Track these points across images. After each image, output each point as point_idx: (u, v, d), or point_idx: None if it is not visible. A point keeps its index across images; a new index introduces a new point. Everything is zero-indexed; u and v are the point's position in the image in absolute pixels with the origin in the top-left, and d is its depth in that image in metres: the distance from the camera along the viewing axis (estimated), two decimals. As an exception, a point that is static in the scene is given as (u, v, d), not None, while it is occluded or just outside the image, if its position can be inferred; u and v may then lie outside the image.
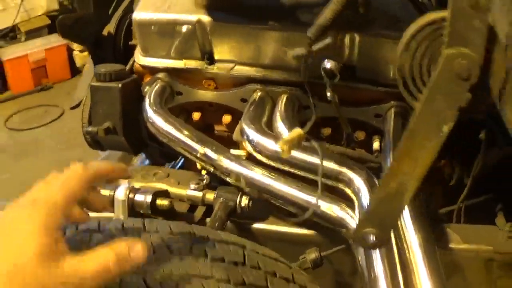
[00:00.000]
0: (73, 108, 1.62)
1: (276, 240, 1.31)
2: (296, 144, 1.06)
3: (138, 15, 1.40)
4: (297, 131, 1.08)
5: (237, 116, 1.40)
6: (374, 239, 0.76)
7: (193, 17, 1.34)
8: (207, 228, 0.98)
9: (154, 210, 1.22)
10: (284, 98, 1.34)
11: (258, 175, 1.24)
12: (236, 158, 1.27)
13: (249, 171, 1.24)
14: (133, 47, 1.54)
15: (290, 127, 1.28)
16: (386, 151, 1.24)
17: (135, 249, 0.72)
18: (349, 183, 1.15)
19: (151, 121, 1.35)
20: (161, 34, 1.39)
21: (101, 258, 0.69)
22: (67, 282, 0.65)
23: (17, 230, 0.66)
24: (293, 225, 1.29)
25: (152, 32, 1.40)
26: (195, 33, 1.35)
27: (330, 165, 1.17)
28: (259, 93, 1.36)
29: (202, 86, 1.43)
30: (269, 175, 1.23)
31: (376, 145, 1.34)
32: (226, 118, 1.44)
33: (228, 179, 1.28)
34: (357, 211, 1.12)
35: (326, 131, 1.39)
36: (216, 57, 1.38)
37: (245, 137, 1.28)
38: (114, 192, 1.22)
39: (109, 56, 1.61)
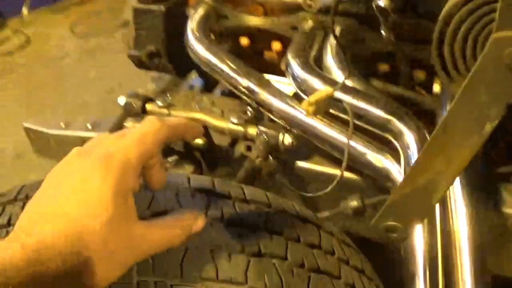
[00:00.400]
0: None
1: (320, 181, 1.24)
2: (323, 105, 0.95)
3: None
4: (325, 90, 0.97)
5: (288, 44, 1.30)
6: (396, 233, 0.68)
7: None
8: (284, 200, 0.89)
9: (187, 147, 1.18)
10: (337, 29, 1.22)
11: (301, 115, 1.15)
12: (281, 94, 1.18)
13: (293, 110, 1.16)
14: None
15: (341, 63, 1.18)
16: (444, 96, 1.12)
17: (198, 223, 0.70)
18: (398, 135, 1.05)
19: (192, 48, 1.27)
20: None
21: (168, 229, 0.67)
22: (134, 249, 0.62)
23: (89, 190, 0.59)
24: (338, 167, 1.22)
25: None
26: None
27: (379, 112, 1.07)
28: (310, 22, 1.24)
29: (250, 11, 1.32)
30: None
31: (437, 87, 1.21)
32: (276, 45, 1.34)
33: (271, 116, 1.21)
34: (402, 166, 1.03)
35: (383, 67, 1.26)
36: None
37: (289, 71, 1.19)
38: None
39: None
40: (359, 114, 1.08)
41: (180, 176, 0.84)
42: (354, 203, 1.16)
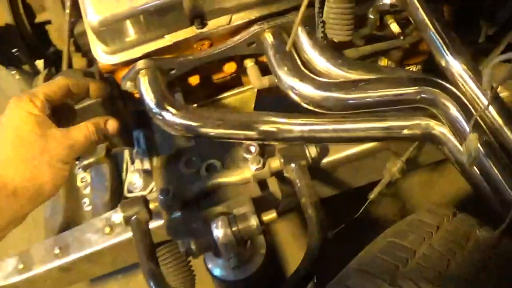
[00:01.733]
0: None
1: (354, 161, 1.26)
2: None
3: (95, 17, 1.05)
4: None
5: (241, 61, 1.22)
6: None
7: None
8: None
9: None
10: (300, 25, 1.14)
11: (331, 126, 1.12)
12: (299, 119, 1.12)
13: (319, 126, 1.11)
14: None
15: (323, 51, 1.13)
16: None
17: (109, 123, 1.00)
18: (432, 101, 1.08)
19: (163, 118, 1.11)
20: (133, 24, 1.07)
21: (83, 128, 0.94)
22: (60, 145, 0.88)
23: (13, 114, 0.88)
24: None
25: (120, 26, 1.07)
26: (179, 6, 1.06)
27: (405, 89, 1.08)
28: (269, 33, 1.14)
29: (195, 50, 1.16)
30: (340, 120, 1.12)
31: (394, 26, 1.22)
32: (231, 67, 1.22)
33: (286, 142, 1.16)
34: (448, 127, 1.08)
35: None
36: (209, 16, 1.10)
37: (288, 89, 1.12)
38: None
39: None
40: (385, 101, 1.09)
41: None
42: (395, 166, 1.21)
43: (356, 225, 1.39)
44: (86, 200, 1.60)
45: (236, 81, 1.28)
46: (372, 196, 1.37)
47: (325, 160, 1.24)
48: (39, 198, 0.86)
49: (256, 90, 1.24)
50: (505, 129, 1.02)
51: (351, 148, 1.26)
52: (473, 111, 1.05)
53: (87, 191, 1.63)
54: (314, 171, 1.20)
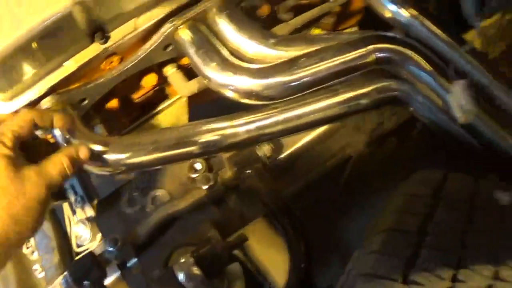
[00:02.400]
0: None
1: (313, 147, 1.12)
2: None
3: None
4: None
5: (159, 68, 1.04)
6: None
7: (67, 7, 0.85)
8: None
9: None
10: (216, 11, 0.98)
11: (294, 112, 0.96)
12: (243, 118, 0.96)
13: (267, 120, 0.96)
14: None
15: (251, 33, 0.98)
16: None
17: (81, 151, 0.89)
18: (390, 59, 0.95)
19: (103, 165, 0.93)
20: (25, 56, 0.88)
21: (57, 163, 0.87)
22: (36, 185, 0.83)
23: None
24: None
25: (10, 63, 0.88)
26: (72, 22, 0.87)
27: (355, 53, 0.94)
28: (185, 28, 0.97)
29: (104, 70, 0.98)
30: (289, 107, 0.97)
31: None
32: (151, 79, 1.05)
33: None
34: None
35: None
36: (110, 26, 0.92)
37: (221, 87, 0.96)
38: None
39: None
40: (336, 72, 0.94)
41: None
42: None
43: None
44: (36, 267, 1.45)
45: (160, 94, 1.10)
46: (343, 180, 1.23)
47: (282, 156, 1.08)
48: (20, 241, 0.85)
49: (185, 99, 1.07)
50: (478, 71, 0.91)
51: (307, 135, 1.10)
52: (439, 62, 0.92)
53: (35, 256, 1.47)
54: (274, 170, 1.04)
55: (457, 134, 0.99)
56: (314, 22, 1.15)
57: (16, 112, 0.94)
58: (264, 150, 1.02)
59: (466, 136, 0.98)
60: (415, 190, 0.90)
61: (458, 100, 0.79)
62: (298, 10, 1.10)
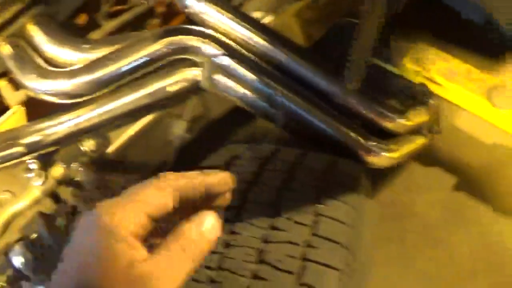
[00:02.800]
0: None
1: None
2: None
3: None
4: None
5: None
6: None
7: None
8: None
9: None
10: (32, 26, 1.10)
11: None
12: (61, 117, 1.07)
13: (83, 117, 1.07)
14: None
15: (62, 42, 1.09)
16: None
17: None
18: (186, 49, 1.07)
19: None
20: None
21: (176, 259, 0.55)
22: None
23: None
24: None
25: None
26: None
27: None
28: (6, 44, 1.09)
29: None
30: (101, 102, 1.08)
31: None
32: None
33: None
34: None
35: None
36: None
37: (43, 94, 1.07)
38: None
39: None
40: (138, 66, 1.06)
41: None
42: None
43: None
44: None
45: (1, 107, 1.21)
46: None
47: (110, 149, 1.18)
48: None
49: (23, 109, 1.18)
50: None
51: (128, 129, 1.20)
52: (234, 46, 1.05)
53: None
54: (106, 164, 1.15)
55: (262, 108, 1.10)
56: (135, 24, 1.25)
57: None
58: (88, 145, 1.12)
59: (269, 109, 1.10)
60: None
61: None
62: (116, 15, 1.21)
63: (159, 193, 0.57)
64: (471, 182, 1.54)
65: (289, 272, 0.80)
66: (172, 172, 0.59)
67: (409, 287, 1.43)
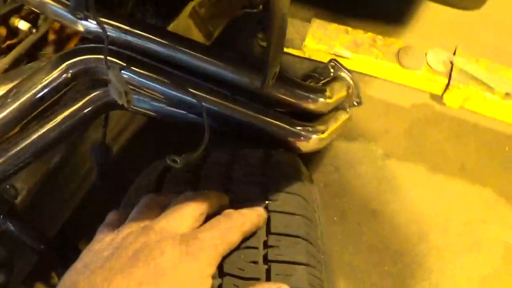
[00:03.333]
0: None
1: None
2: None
3: None
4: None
5: None
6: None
7: None
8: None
9: None
10: None
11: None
12: None
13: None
14: None
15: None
16: None
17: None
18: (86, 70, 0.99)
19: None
20: None
21: None
22: None
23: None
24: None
25: None
26: None
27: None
28: None
29: None
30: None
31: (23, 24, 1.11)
32: None
33: None
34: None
35: None
36: None
37: None
38: None
39: None
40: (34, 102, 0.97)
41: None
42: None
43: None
44: None
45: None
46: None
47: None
48: None
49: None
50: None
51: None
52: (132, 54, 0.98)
53: None
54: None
55: (181, 116, 1.04)
56: (30, 56, 1.17)
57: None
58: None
59: (189, 116, 1.04)
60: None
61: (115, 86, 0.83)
62: (8, 51, 1.11)
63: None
64: (396, 148, 1.54)
65: (256, 279, 0.75)
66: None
67: (363, 263, 1.42)
